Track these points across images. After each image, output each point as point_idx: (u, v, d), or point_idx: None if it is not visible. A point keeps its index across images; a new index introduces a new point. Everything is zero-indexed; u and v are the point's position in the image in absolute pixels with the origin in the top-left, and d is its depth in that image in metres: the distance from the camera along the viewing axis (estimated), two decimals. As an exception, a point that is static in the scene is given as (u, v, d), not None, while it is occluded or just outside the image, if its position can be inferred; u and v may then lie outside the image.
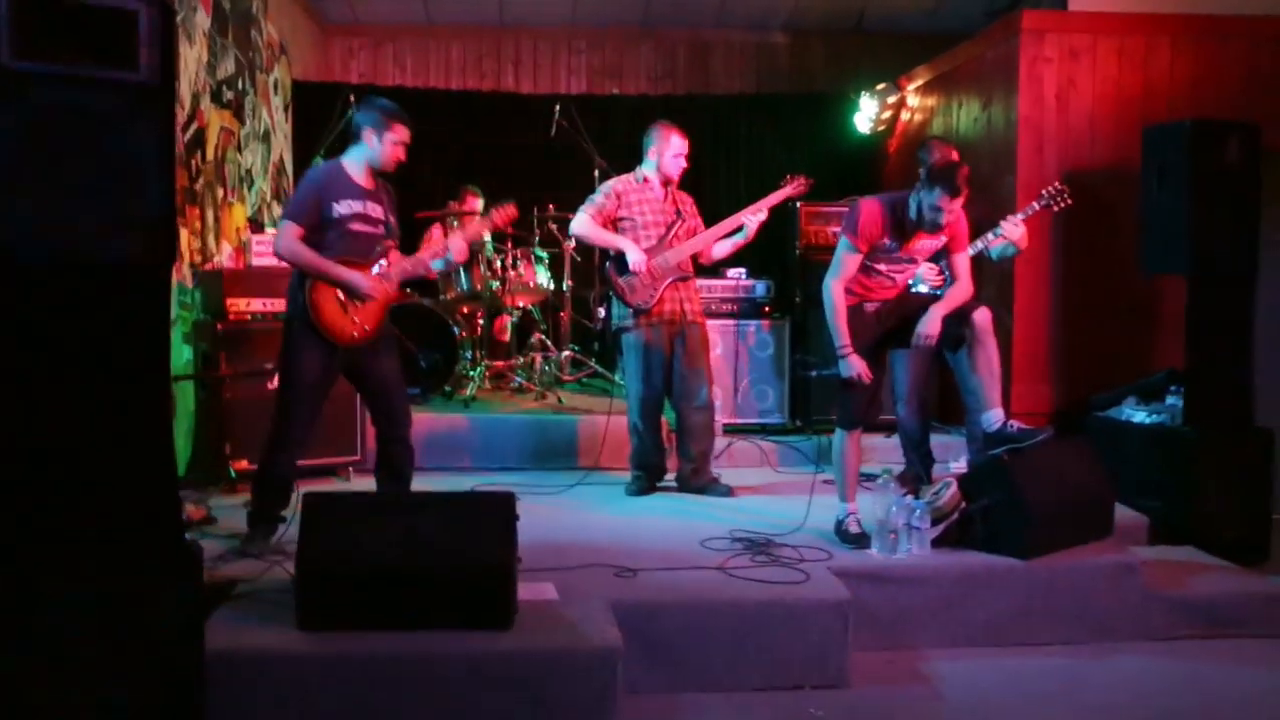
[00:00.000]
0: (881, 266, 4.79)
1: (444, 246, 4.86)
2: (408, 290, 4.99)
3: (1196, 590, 4.80)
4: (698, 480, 5.79)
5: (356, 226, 4.55)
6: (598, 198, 5.76)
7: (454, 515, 3.81)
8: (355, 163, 4.59)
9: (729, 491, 5.73)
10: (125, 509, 3.17)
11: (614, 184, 5.81)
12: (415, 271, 4.83)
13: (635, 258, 5.59)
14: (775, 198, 5.74)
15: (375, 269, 4.64)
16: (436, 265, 4.87)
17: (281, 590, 3.91)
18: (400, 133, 4.58)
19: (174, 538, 3.32)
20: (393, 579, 3.63)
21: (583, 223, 5.74)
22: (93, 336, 3.10)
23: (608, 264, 5.77)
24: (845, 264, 4.70)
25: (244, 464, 5.60)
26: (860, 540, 4.70)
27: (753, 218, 5.63)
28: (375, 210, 4.62)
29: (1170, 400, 5.93)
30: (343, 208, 4.50)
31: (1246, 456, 5.65)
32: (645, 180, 5.77)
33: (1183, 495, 5.56)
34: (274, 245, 4.53)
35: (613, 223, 5.73)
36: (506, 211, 4.98)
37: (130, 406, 3.19)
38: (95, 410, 3.11)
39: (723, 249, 5.77)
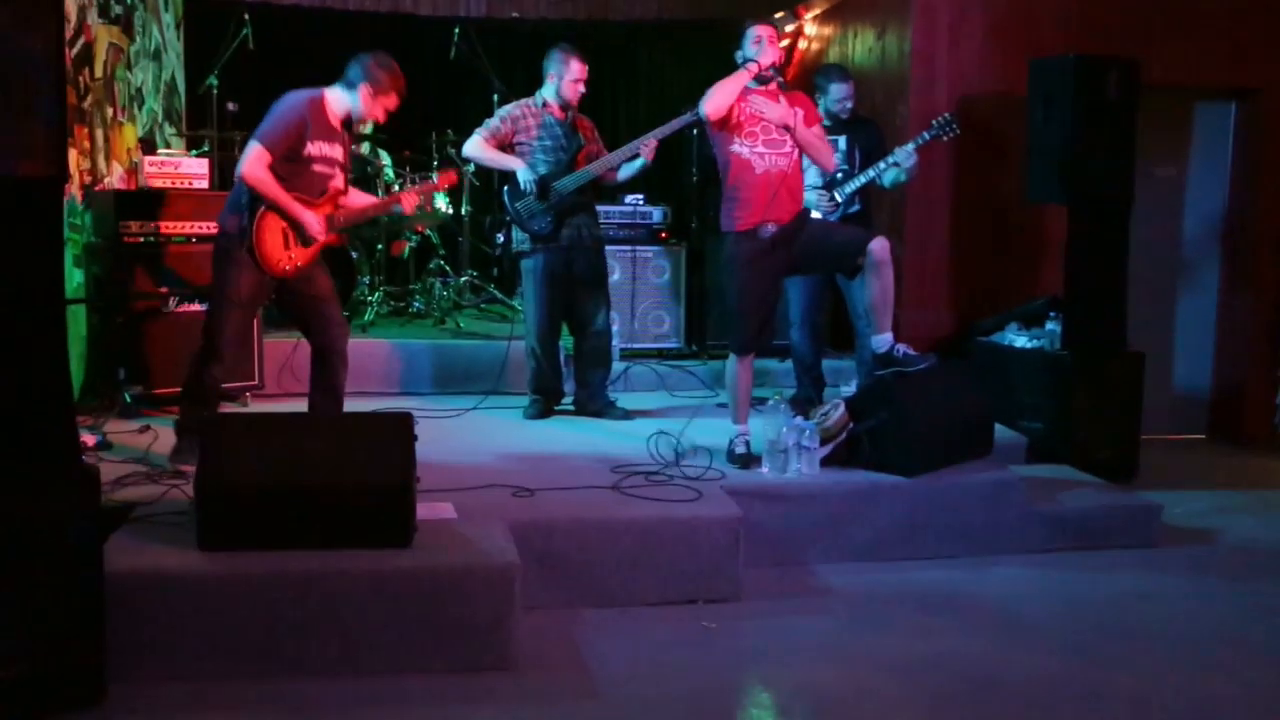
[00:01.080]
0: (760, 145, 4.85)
1: (394, 200, 4.97)
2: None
3: (1069, 506, 5.07)
4: (594, 404, 5.87)
5: (319, 167, 4.61)
6: (493, 122, 5.73)
7: (352, 435, 3.85)
8: (337, 103, 4.62)
9: (626, 415, 5.82)
10: (20, 432, 3.15)
11: (511, 109, 5.78)
12: (360, 220, 4.87)
13: (525, 176, 5.58)
14: (673, 125, 5.75)
15: (327, 214, 4.69)
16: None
17: (180, 513, 3.92)
18: (394, 100, 4.65)
19: (71, 460, 3.31)
20: (291, 498, 3.66)
21: (474, 144, 5.71)
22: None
23: (505, 189, 5.76)
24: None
25: (140, 389, 5.54)
26: (748, 461, 4.83)
27: (647, 146, 5.64)
28: (337, 152, 4.67)
29: (1050, 326, 6.16)
30: (314, 148, 4.54)
31: (1119, 379, 5.92)
32: (545, 105, 5.74)
33: (1059, 417, 5.82)
34: (240, 165, 4.49)
35: (509, 147, 5.70)
36: (447, 177, 5.20)
37: (23, 327, 3.16)
38: (-14, 329, 3.08)
39: (627, 172, 5.79)
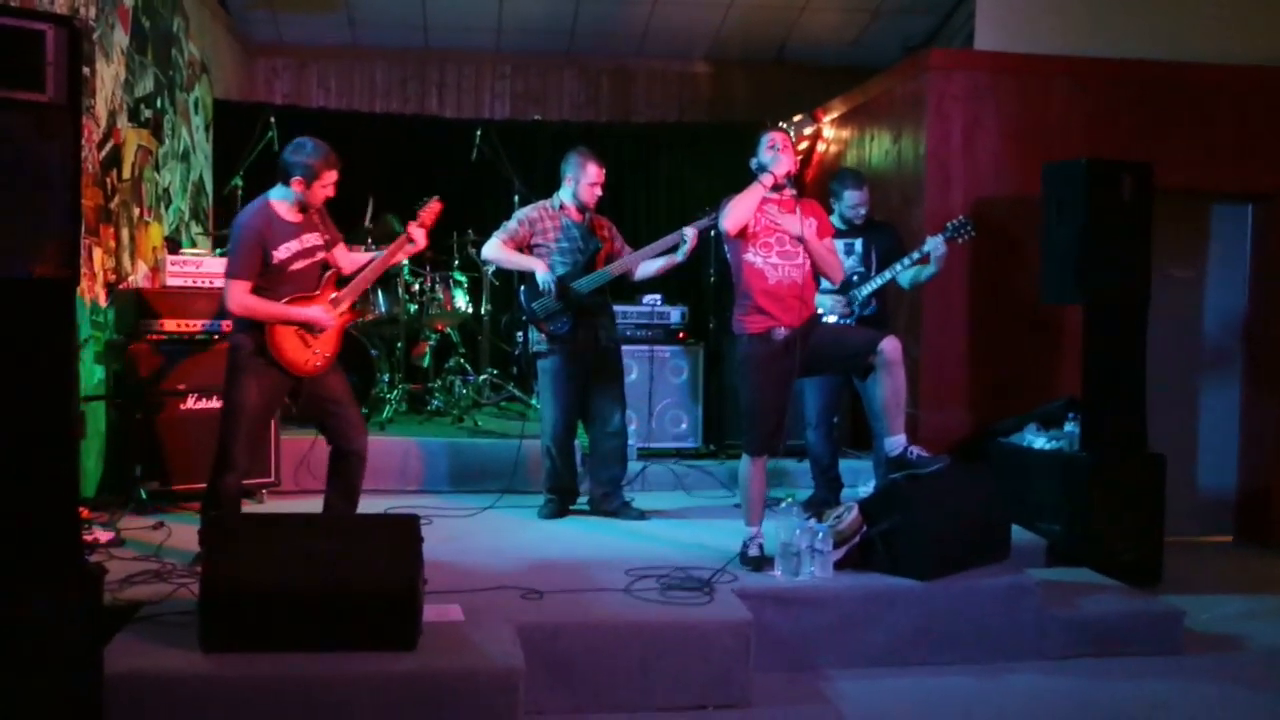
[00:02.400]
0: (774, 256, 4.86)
1: (396, 253, 4.89)
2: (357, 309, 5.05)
3: (1089, 611, 4.95)
4: (609, 504, 5.83)
5: (298, 265, 4.63)
6: (510, 224, 5.78)
7: (358, 537, 3.83)
8: (284, 201, 4.63)
9: (641, 515, 5.78)
10: (23, 529, 3.15)
11: (528, 211, 5.82)
12: (370, 282, 4.88)
13: (544, 278, 5.59)
14: (693, 229, 5.72)
15: (331, 297, 4.72)
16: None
17: (186, 612, 3.88)
18: (330, 176, 4.64)
19: (73, 559, 3.30)
20: (296, 600, 3.63)
21: (493, 246, 5.75)
22: (-5, 352, 3.10)
23: (522, 289, 5.80)
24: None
25: (155, 485, 5.56)
26: (760, 563, 4.77)
27: (683, 242, 5.59)
28: (310, 239, 4.68)
29: (1069, 427, 6.11)
30: (282, 252, 4.56)
31: (1140, 481, 5.84)
32: (562, 207, 5.79)
33: (1079, 519, 5.73)
34: (226, 306, 4.55)
35: (527, 249, 5.72)
36: (431, 208, 4.99)
37: (32, 425, 3.18)
38: (-5, 427, 3.10)
39: (649, 270, 5.80)
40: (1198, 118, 6.87)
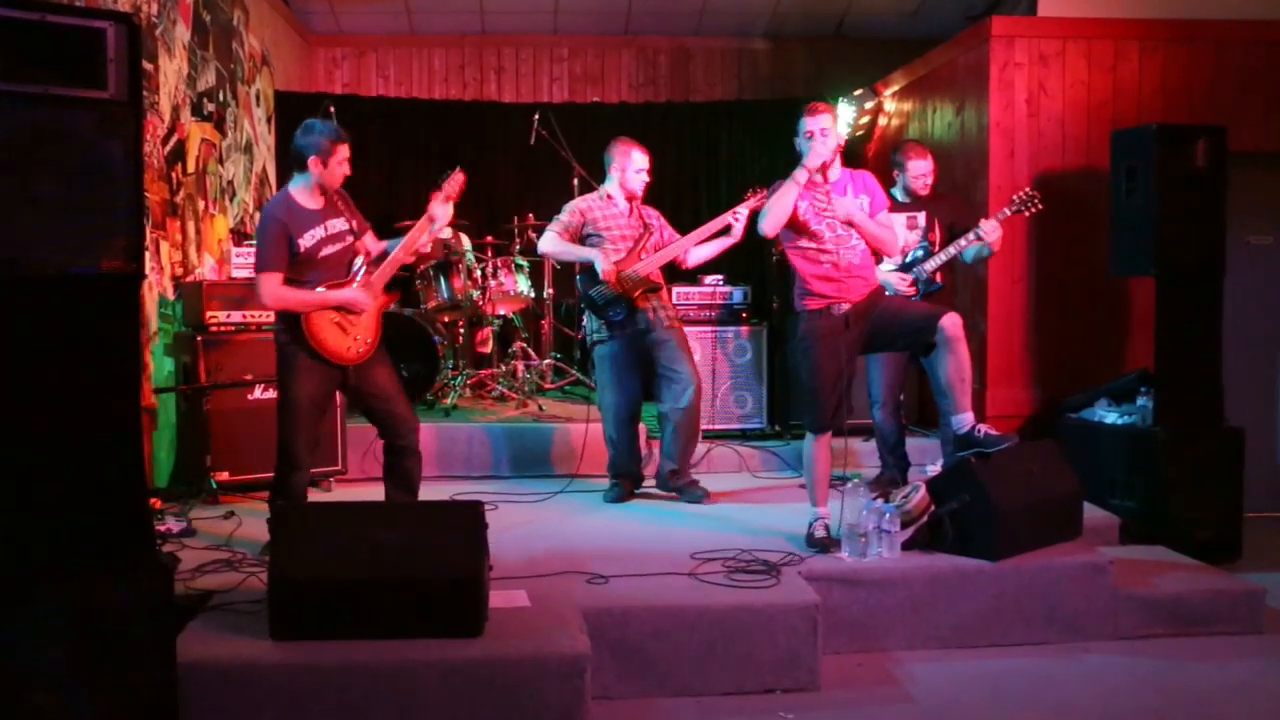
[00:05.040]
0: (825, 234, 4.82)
1: (423, 231, 4.79)
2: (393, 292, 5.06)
3: (1165, 589, 4.84)
4: (676, 480, 5.82)
5: (327, 251, 4.62)
6: (564, 216, 5.81)
7: (423, 524, 3.86)
8: (304, 189, 4.62)
9: (704, 496, 5.77)
10: (96, 522, 3.22)
11: (578, 203, 5.87)
12: (395, 269, 4.84)
13: (604, 266, 5.60)
14: (744, 207, 5.69)
15: (358, 280, 4.70)
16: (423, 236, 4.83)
17: (256, 601, 3.93)
18: (343, 152, 4.62)
19: (146, 550, 3.37)
20: (363, 589, 3.67)
21: (549, 240, 5.79)
22: (63, 349, 3.16)
23: (579, 278, 5.83)
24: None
25: (225, 475, 5.65)
26: (826, 545, 4.74)
27: (736, 221, 5.63)
28: (335, 225, 4.67)
29: (1141, 401, 5.99)
30: (306, 240, 4.55)
31: (1217, 455, 5.73)
32: (609, 197, 5.83)
33: (1154, 495, 5.64)
34: (260, 299, 4.57)
35: (581, 240, 5.77)
36: (454, 180, 4.96)
37: (101, 419, 3.24)
38: (66, 422, 3.16)
39: (701, 254, 5.81)
40: (1272, 78, 6.67)
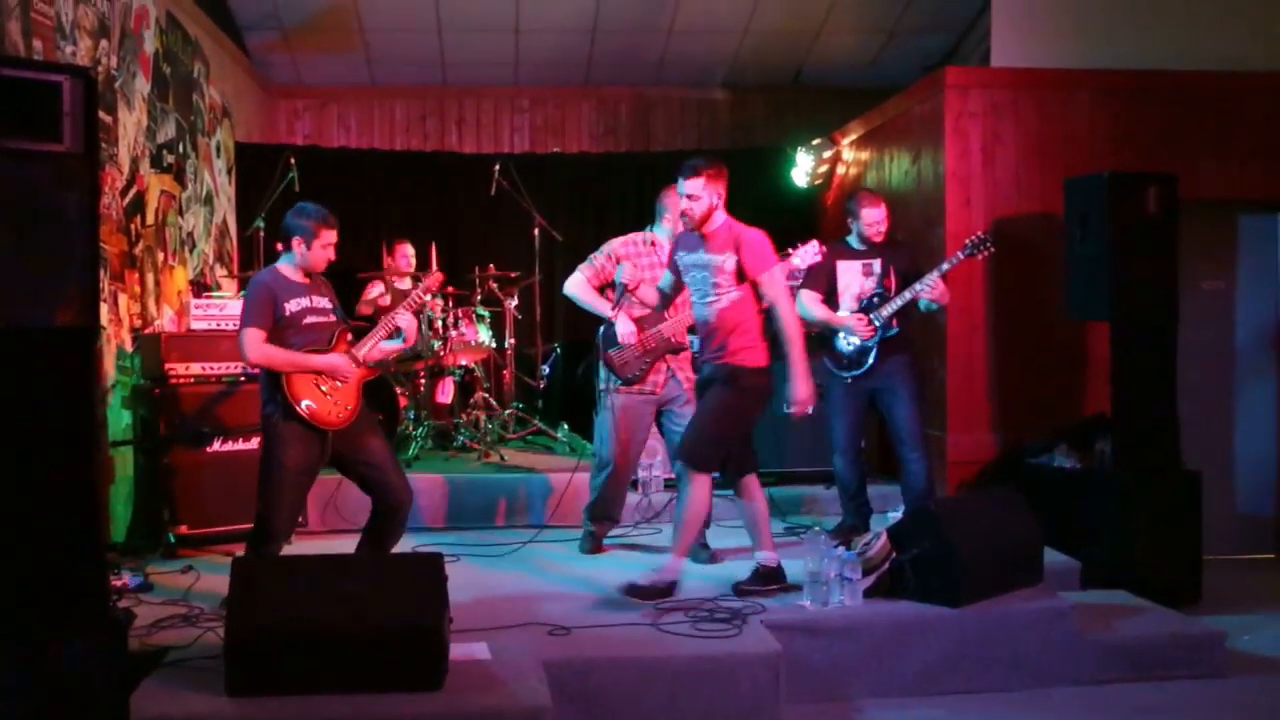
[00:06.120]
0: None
1: (393, 327, 4.85)
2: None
3: (1126, 634, 4.88)
4: None
5: (310, 319, 4.71)
6: (597, 258, 5.64)
7: (382, 576, 3.84)
8: (290, 266, 4.76)
9: (710, 558, 5.53)
10: (50, 578, 3.17)
11: (615, 244, 5.67)
12: (381, 356, 4.92)
13: (625, 330, 5.42)
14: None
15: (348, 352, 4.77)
16: (393, 343, 4.92)
17: (213, 657, 3.89)
18: (328, 236, 4.74)
19: (101, 605, 3.32)
20: (321, 642, 3.63)
21: (577, 283, 5.63)
22: (18, 401, 3.13)
23: (601, 331, 5.62)
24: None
25: (184, 529, 5.60)
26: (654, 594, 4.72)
27: None
28: (320, 301, 4.79)
29: (1099, 446, 6.04)
30: (293, 305, 4.66)
31: (1174, 499, 5.77)
32: (653, 243, 5.64)
33: (1114, 540, 5.67)
34: (243, 356, 4.64)
35: (611, 285, 5.52)
36: (435, 278, 5.13)
37: (56, 472, 3.21)
38: (20, 477, 3.13)
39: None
40: (1222, 127, 6.81)
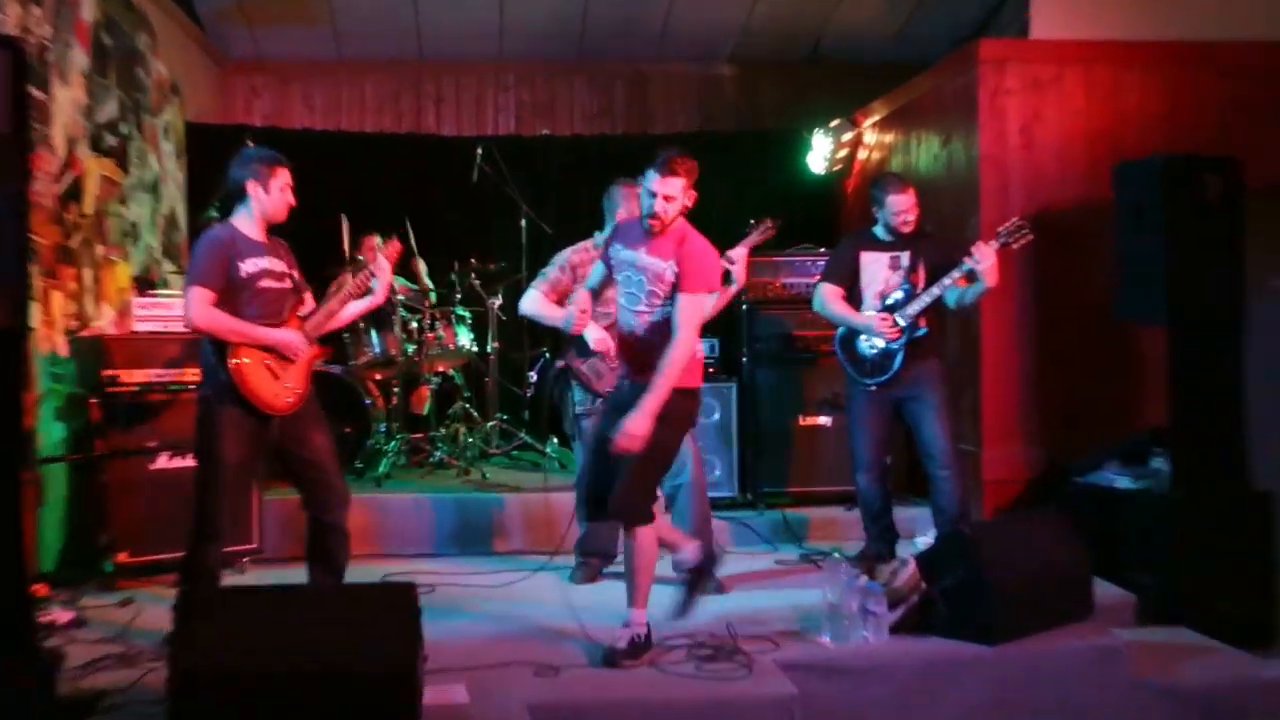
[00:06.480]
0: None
1: (362, 286, 4.83)
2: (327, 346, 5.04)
3: (1189, 678, 4.81)
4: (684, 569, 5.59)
5: (266, 284, 4.64)
6: (551, 271, 5.68)
7: (348, 610, 3.82)
8: (247, 220, 4.68)
9: (718, 589, 5.44)
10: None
11: (569, 254, 5.71)
12: (331, 324, 4.87)
13: (596, 335, 5.36)
14: (742, 247, 5.59)
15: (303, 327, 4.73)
16: (362, 303, 4.90)
17: (156, 701, 3.84)
18: (284, 176, 4.69)
19: (25, 645, 3.27)
20: (278, 684, 3.57)
21: (533, 300, 5.61)
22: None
23: (570, 348, 5.61)
24: None
25: (124, 556, 5.53)
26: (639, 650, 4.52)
27: (731, 265, 5.46)
28: (278, 265, 4.72)
29: (1155, 463, 5.99)
30: (250, 266, 4.58)
31: (1243, 522, 5.69)
32: None
33: (1173, 569, 5.59)
34: (186, 317, 4.55)
35: (569, 298, 5.40)
36: (394, 247, 5.05)
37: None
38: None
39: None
40: (1292, 106, 6.76)
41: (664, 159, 4.52)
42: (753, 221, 5.73)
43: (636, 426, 4.37)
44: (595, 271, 5.00)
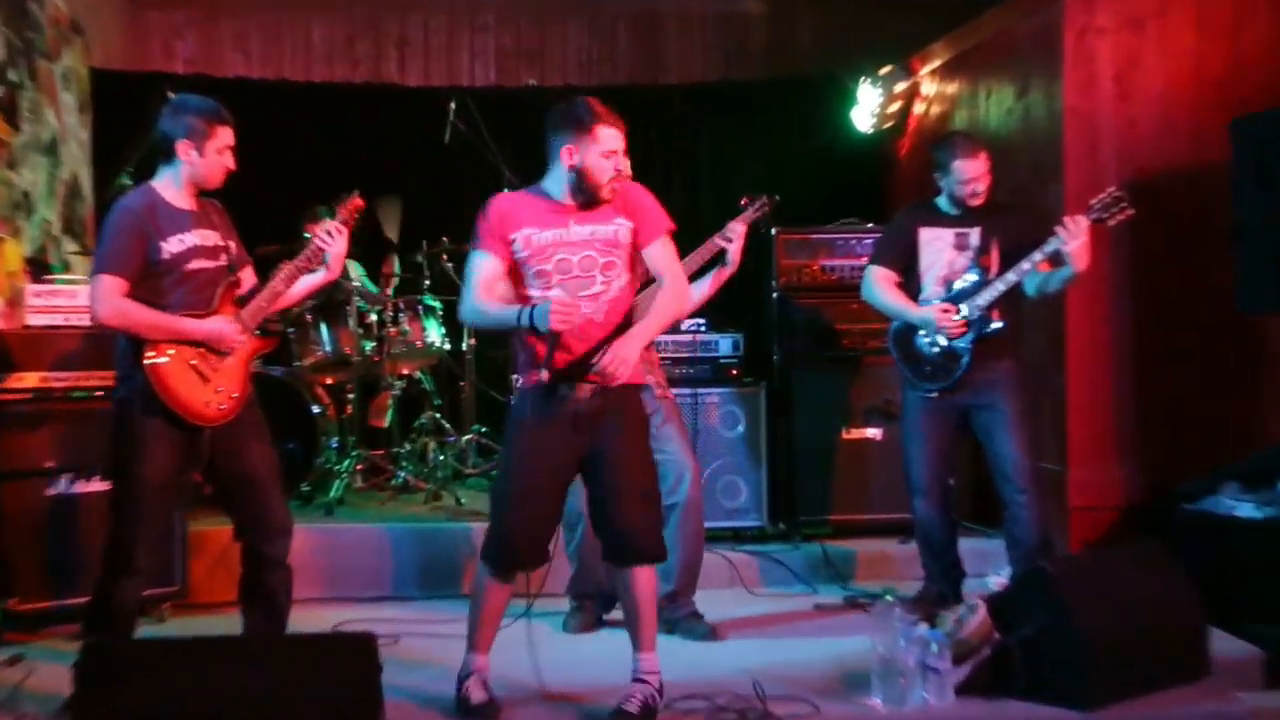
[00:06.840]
0: None
1: (316, 257, 4.79)
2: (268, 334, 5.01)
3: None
4: (672, 609, 5.67)
5: (195, 265, 4.61)
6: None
7: (293, 666, 3.84)
8: (172, 184, 4.65)
9: (709, 633, 5.60)
10: None
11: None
12: (276, 305, 4.85)
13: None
14: (740, 223, 5.69)
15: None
16: (314, 277, 4.86)
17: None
18: (225, 136, 4.65)
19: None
20: (205, 760, 3.59)
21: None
22: None
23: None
24: None
25: (14, 603, 5.51)
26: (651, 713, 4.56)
27: (728, 243, 5.59)
28: (209, 237, 4.69)
29: (1285, 486, 5.98)
30: (174, 244, 4.55)
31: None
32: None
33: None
34: (92, 310, 4.53)
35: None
36: (352, 203, 4.97)
37: None
38: None
39: (695, 293, 5.64)
40: None
41: (598, 108, 4.77)
42: (745, 199, 5.80)
43: (628, 350, 4.46)
44: (486, 268, 4.71)
